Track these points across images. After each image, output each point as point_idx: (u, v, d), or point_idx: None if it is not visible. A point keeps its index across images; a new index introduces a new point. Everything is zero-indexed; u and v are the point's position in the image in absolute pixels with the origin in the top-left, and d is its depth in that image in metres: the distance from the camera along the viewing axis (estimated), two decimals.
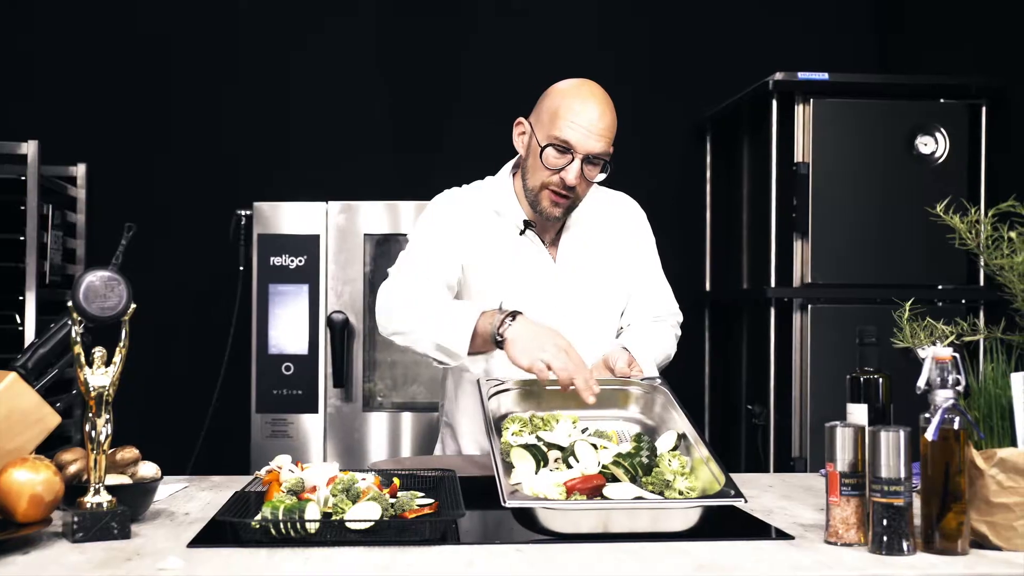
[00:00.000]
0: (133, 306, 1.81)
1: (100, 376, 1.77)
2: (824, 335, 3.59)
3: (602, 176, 2.39)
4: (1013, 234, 1.75)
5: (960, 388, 1.66)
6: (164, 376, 4.20)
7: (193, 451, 3.73)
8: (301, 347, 3.61)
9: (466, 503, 1.80)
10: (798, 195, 3.62)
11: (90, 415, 1.76)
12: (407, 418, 3.69)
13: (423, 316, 2.26)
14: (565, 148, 2.29)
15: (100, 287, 1.78)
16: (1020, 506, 1.64)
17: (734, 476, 2.41)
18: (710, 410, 4.46)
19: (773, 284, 3.74)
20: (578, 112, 2.29)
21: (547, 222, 2.43)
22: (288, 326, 3.61)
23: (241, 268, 3.75)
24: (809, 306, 3.62)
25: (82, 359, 1.76)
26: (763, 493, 2.22)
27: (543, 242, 2.47)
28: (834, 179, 3.65)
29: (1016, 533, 1.64)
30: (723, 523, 1.82)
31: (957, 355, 1.68)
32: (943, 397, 1.65)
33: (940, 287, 3.65)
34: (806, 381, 3.61)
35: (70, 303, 1.76)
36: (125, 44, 4.27)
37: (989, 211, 1.82)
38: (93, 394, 1.76)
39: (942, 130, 3.68)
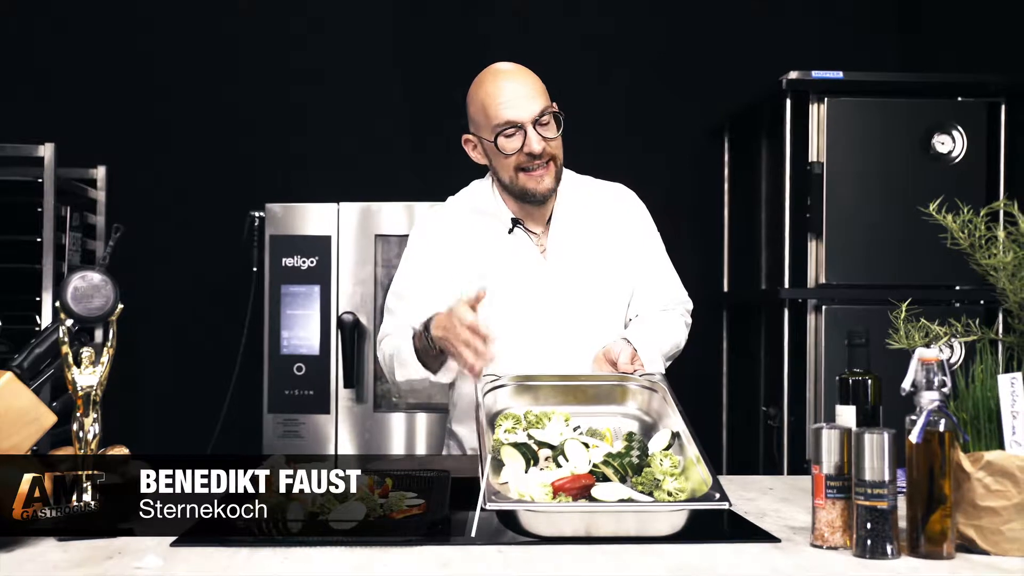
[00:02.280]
0: (120, 306, 1.82)
1: (88, 376, 1.79)
2: (839, 336, 3.55)
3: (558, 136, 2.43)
4: (1002, 233, 1.73)
5: (946, 390, 1.64)
6: (179, 376, 4.25)
7: (207, 450, 3.75)
8: (313, 348, 3.63)
9: (460, 503, 1.80)
10: (812, 195, 3.59)
11: (77, 414, 1.77)
12: (419, 419, 3.69)
13: (391, 368, 2.44)
14: (512, 127, 2.32)
15: (87, 288, 1.79)
16: (1007, 510, 1.61)
17: (738, 478, 2.41)
18: (728, 412, 4.43)
19: (787, 285, 3.71)
20: (500, 91, 2.33)
21: (538, 207, 2.45)
22: (300, 327, 3.63)
23: (255, 269, 3.77)
24: (823, 307, 3.58)
25: (70, 359, 1.78)
26: (762, 495, 2.20)
27: (534, 237, 2.47)
28: (849, 179, 3.61)
29: (1003, 537, 1.62)
30: (711, 526, 1.80)
31: (943, 356, 1.65)
32: (928, 399, 1.63)
33: (958, 288, 3.60)
34: (820, 383, 3.57)
35: (58, 303, 1.78)
36: (143, 49, 4.31)
37: (981, 211, 1.79)
38: (81, 393, 1.78)
39: (959, 129, 3.63)
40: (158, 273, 4.25)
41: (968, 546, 1.65)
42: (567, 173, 2.54)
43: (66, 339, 1.78)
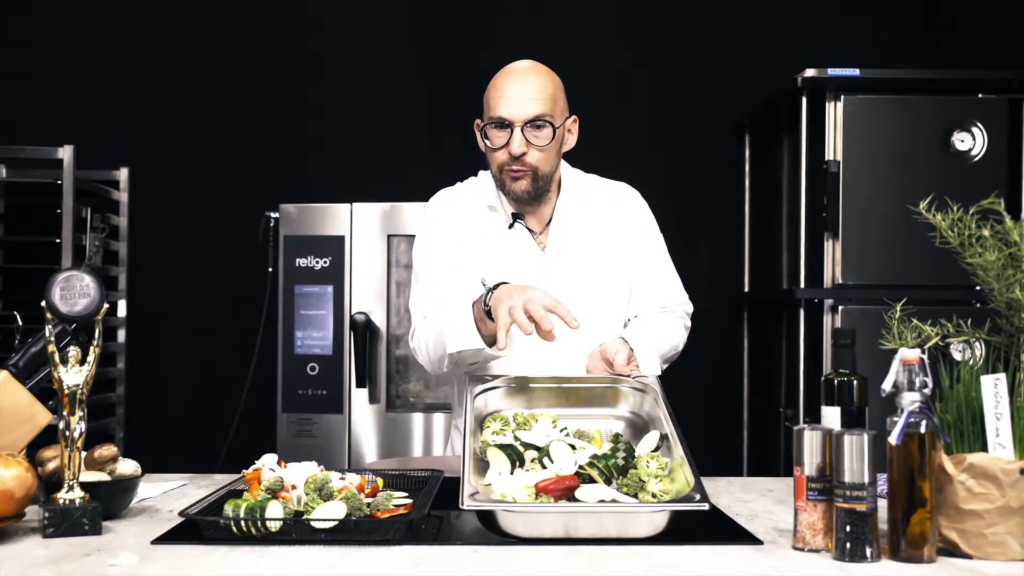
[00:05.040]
0: (106, 306, 1.83)
1: (74, 375, 1.81)
2: (856, 338, 3.50)
3: (572, 141, 2.45)
4: (987, 232, 1.70)
5: (928, 391, 1.61)
6: (197, 375, 4.29)
7: (222, 450, 3.79)
8: (327, 348, 3.65)
9: (449, 503, 1.79)
10: (829, 194, 3.55)
11: (64, 413, 1.79)
12: (430, 419, 3.70)
13: (438, 343, 2.35)
14: (501, 123, 2.33)
15: (73, 287, 1.81)
16: (990, 513, 1.58)
17: (740, 479, 2.39)
18: (749, 413, 4.40)
19: (803, 285, 3.67)
20: (504, 87, 2.34)
21: (523, 204, 2.45)
22: (314, 327, 3.65)
23: (270, 269, 3.79)
24: (840, 307, 3.54)
25: (56, 358, 1.80)
26: (760, 497, 2.17)
27: (535, 234, 2.47)
28: (866, 177, 3.56)
29: (986, 541, 1.59)
30: (695, 527, 1.78)
31: (925, 357, 1.63)
32: (909, 400, 1.60)
33: (978, 288, 3.53)
34: None
35: (43, 303, 1.79)
36: (160, 52, 4.35)
37: (970, 209, 1.76)
38: (67, 392, 1.79)
39: (980, 126, 3.57)
40: (178, 273, 4.30)
41: (951, 550, 1.62)
42: (572, 171, 2.55)
43: (52, 339, 1.80)
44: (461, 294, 2.33)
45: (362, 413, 3.66)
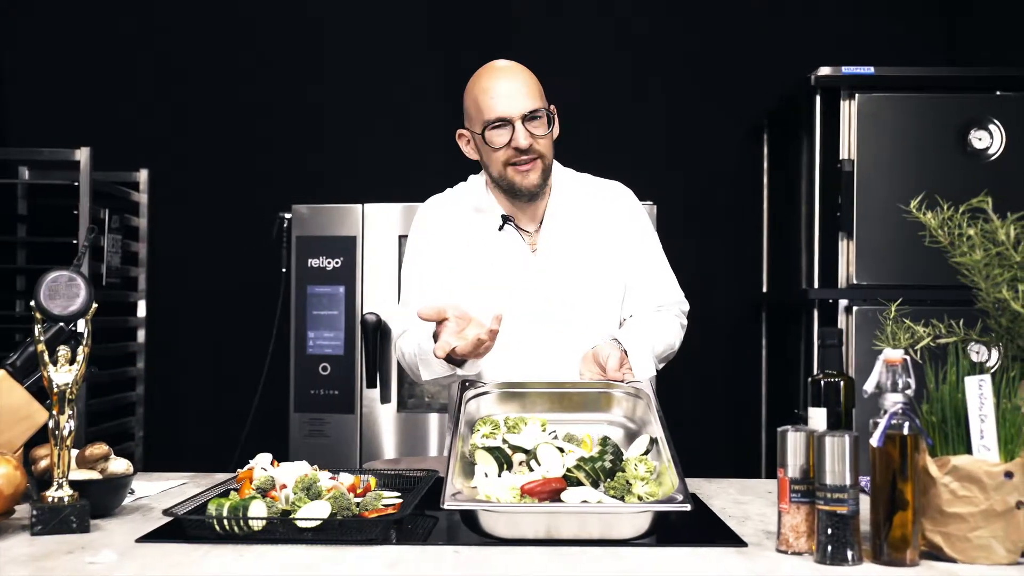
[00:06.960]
0: (95, 306, 1.85)
1: (64, 374, 1.82)
2: (870, 339, 3.46)
3: (556, 131, 2.44)
4: (972, 231, 1.67)
5: (911, 392, 1.59)
6: (213, 374, 4.32)
7: (236, 449, 3.80)
8: (338, 348, 3.66)
9: (438, 504, 1.79)
10: (843, 193, 3.51)
11: (53, 412, 1.80)
12: (443, 419, 3.69)
13: (413, 364, 2.41)
14: (501, 122, 2.35)
15: (61, 287, 1.83)
16: (974, 516, 1.56)
17: (739, 481, 2.37)
18: (767, 415, 4.36)
19: (816, 285, 3.63)
20: (492, 87, 2.37)
21: (528, 201, 2.46)
22: (325, 327, 3.66)
23: (283, 270, 3.81)
24: (854, 308, 3.50)
25: (46, 357, 1.81)
26: (757, 499, 2.16)
27: (525, 235, 2.48)
28: (881, 177, 3.52)
29: (971, 544, 1.56)
30: (683, 529, 1.77)
31: (908, 358, 1.61)
32: (892, 401, 1.58)
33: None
34: None
35: (32, 303, 1.81)
36: (169, 53, 4.39)
37: (960, 208, 1.74)
38: (56, 391, 1.81)
39: (997, 123, 3.51)
40: (193, 274, 4.33)
41: (936, 553, 1.60)
42: (565, 171, 2.55)
43: (42, 339, 1.82)
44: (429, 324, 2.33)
45: (374, 413, 3.67)
